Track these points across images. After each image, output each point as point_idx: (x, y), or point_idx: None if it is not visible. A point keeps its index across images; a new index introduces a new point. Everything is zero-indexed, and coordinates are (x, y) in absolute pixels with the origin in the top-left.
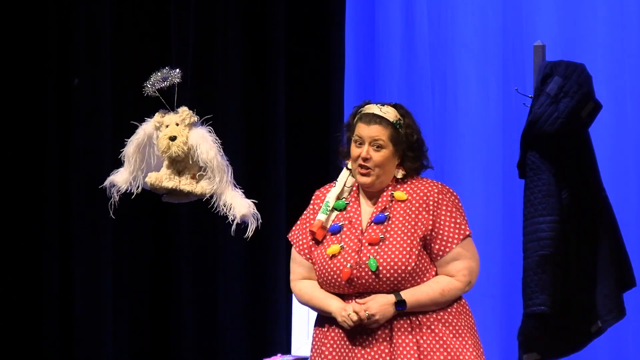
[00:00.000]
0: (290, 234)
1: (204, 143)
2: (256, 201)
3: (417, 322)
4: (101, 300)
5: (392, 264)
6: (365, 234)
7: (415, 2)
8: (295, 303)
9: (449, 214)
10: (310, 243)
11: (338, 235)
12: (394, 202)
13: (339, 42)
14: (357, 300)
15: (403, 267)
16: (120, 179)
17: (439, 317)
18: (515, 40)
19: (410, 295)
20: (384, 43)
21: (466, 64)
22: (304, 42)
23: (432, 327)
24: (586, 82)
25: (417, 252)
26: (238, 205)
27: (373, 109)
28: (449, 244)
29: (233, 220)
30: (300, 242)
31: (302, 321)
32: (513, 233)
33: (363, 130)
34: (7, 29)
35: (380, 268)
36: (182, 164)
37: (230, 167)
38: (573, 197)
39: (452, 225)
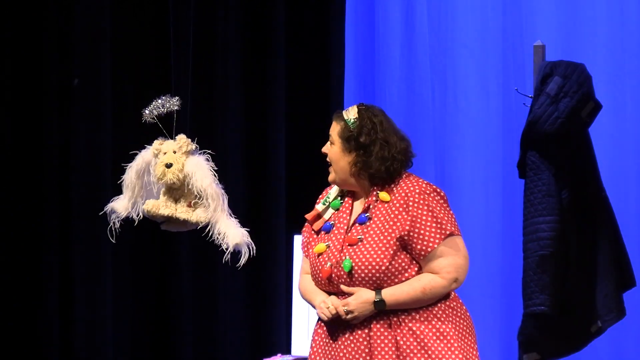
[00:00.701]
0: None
1: (199, 171)
2: (249, 229)
3: (398, 322)
4: (101, 300)
5: (366, 264)
6: (348, 234)
7: (415, 2)
8: (295, 303)
9: (430, 213)
10: (310, 239)
11: (329, 234)
12: (378, 203)
13: (339, 43)
14: (343, 287)
15: (377, 267)
16: (120, 206)
17: (422, 318)
18: (515, 40)
19: (390, 295)
20: (384, 43)
21: (466, 64)
22: (304, 42)
23: (414, 328)
24: (586, 82)
25: (392, 252)
26: (232, 234)
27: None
28: (430, 243)
29: (226, 249)
30: (303, 238)
31: (302, 321)
32: (513, 233)
33: None
34: (6, 29)
35: (356, 268)
36: (178, 191)
37: (225, 196)
38: (573, 197)
39: (434, 224)
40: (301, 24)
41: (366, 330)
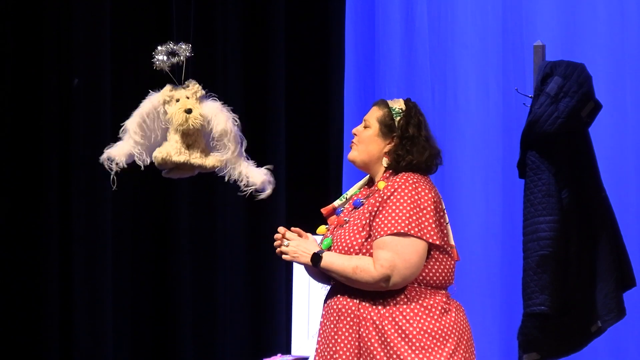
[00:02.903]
0: None
1: (220, 114)
2: (271, 167)
3: (363, 316)
4: (101, 300)
5: (341, 247)
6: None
7: (415, 2)
8: (295, 303)
9: (394, 207)
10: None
11: (339, 216)
12: (376, 190)
13: (339, 42)
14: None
15: (347, 249)
16: (119, 152)
17: (387, 314)
18: (515, 40)
19: (329, 257)
20: (384, 43)
21: (466, 64)
22: (304, 42)
23: (377, 322)
24: (586, 81)
25: (362, 239)
26: (254, 174)
27: None
28: (380, 233)
29: (248, 187)
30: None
31: (302, 321)
32: (513, 233)
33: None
34: (6, 29)
35: (333, 248)
36: (191, 137)
37: (244, 139)
38: (573, 197)
39: (391, 217)
40: (301, 24)
41: (332, 319)
